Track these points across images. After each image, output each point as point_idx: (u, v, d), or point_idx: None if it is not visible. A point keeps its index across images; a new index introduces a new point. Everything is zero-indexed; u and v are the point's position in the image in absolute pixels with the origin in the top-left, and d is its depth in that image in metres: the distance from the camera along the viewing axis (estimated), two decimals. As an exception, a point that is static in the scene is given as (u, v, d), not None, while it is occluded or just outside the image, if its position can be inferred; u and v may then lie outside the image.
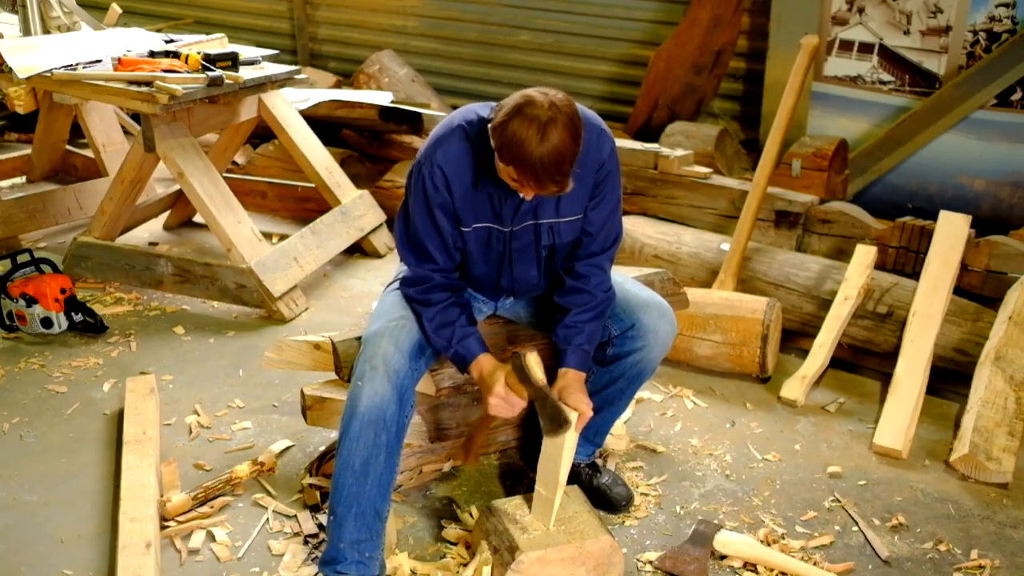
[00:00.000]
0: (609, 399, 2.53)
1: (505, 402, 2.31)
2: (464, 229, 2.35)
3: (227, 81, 3.63)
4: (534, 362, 2.27)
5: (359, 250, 4.47)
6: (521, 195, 2.26)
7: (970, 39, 4.43)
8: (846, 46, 4.74)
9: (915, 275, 3.53)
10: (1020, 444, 2.89)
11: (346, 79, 6.00)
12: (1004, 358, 3.07)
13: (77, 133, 5.02)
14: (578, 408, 2.30)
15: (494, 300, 2.61)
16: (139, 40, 4.20)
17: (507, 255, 2.42)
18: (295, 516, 2.60)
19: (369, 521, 2.25)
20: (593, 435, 2.63)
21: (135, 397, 3.03)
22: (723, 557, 2.47)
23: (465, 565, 2.39)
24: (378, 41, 6.34)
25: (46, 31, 4.36)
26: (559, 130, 2.05)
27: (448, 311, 2.35)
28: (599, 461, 2.76)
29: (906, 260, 3.78)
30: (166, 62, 3.70)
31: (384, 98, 5.00)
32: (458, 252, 2.40)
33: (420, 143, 4.99)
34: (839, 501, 2.73)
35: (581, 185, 2.32)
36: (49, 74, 3.65)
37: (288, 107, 4.32)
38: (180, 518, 2.57)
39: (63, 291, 3.56)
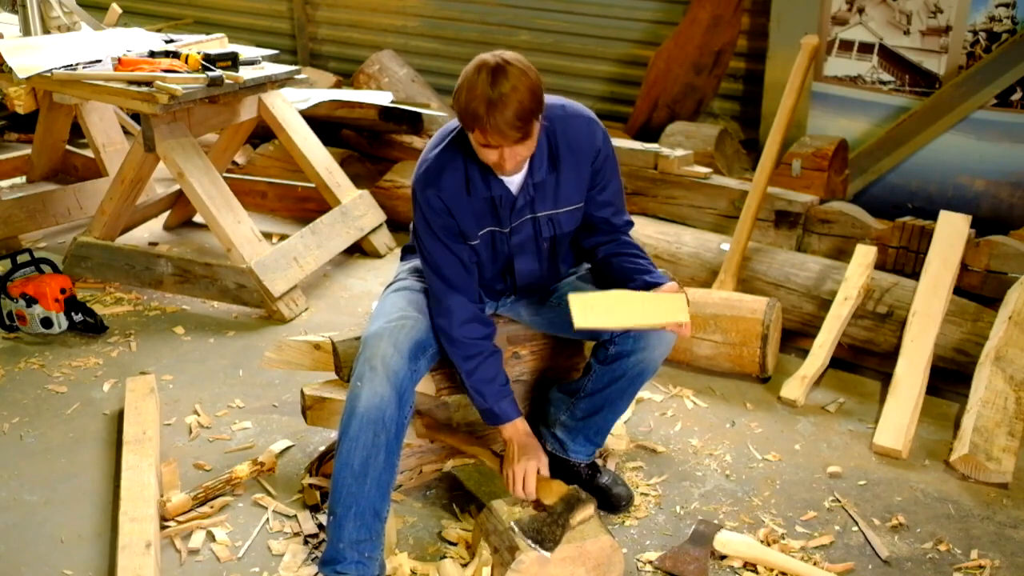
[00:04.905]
0: (610, 399, 2.53)
1: (521, 486, 2.37)
2: (473, 243, 2.39)
3: (227, 81, 3.63)
4: (581, 517, 2.31)
5: (359, 250, 4.47)
6: (503, 175, 2.28)
7: (970, 39, 4.43)
8: (846, 46, 4.74)
9: (915, 275, 3.53)
10: (1020, 444, 2.89)
11: (346, 79, 6.00)
12: (1004, 358, 3.07)
13: (77, 133, 5.02)
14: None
15: (495, 300, 2.62)
16: (139, 40, 4.20)
17: (509, 251, 2.43)
18: (295, 516, 2.60)
19: (368, 521, 2.25)
20: (594, 435, 2.63)
21: (135, 397, 3.03)
22: (723, 557, 2.47)
23: (465, 565, 2.39)
24: (378, 41, 6.34)
25: (46, 31, 4.36)
26: (509, 74, 2.09)
27: (486, 366, 2.40)
28: (599, 461, 2.76)
29: (906, 260, 3.78)
30: (166, 62, 3.70)
31: (384, 98, 5.00)
32: (475, 267, 2.43)
33: (420, 143, 5.01)
34: (839, 501, 2.73)
35: (577, 174, 2.38)
36: (49, 74, 3.65)
37: (288, 107, 4.32)
38: (180, 518, 2.57)
39: (63, 291, 3.56)
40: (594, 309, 2.21)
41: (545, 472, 2.40)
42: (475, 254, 2.42)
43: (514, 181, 2.35)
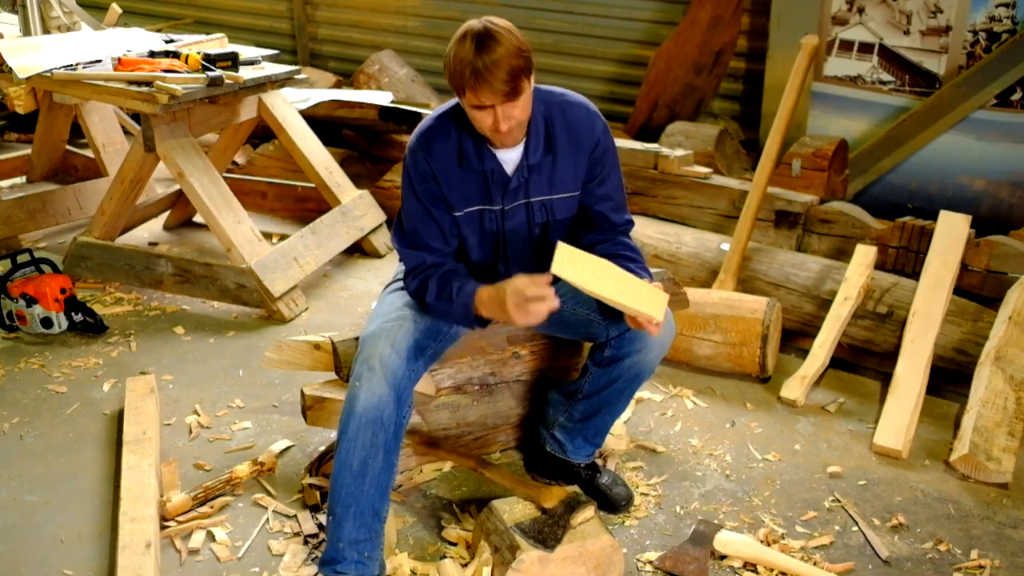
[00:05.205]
0: (608, 400, 2.53)
1: (534, 319, 2.19)
2: (456, 214, 2.39)
3: (227, 81, 3.63)
4: (581, 518, 2.32)
5: (359, 250, 4.47)
6: (500, 142, 2.28)
7: (970, 39, 4.43)
8: (846, 46, 4.74)
9: (915, 275, 3.53)
10: (1020, 444, 2.89)
11: (346, 79, 6.01)
12: (1004, 358, 3.07)
13: (77, 133, 5.02)
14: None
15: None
16: (139, 40, 4.20)
17: (502, 237, 2.44)
18: (295, 516, 2.60)
19: (368, 521, 2.25)
20: (593, 436, 2.63)
21: (135, 397, 3.03)
22: (723, 557, 2.47)
23: (465, 565, 2.39)
24: (378, 41, 6.34)
25: (46, 31, 4.36)
26: (495, 33, 2.13)
27: (442, 279, 2.35)
28: (599, 461, 2.76)
29: (906, 260, 3.78)
30: (166, 62, 3.70)
31: (384, 98, 5.00)
32: (455, 238, 2.43)
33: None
34: (839, 501, 2.73)
35: (575, 161, 2.39)
36: (49, 74, 3.65)
37: (288, 107, 4.32)
38: (180, 518, 2.57)
39: (63, 291, 3.56)
40: (576, 264, 2.16)
41: (529, 280, 2.20)
42: (457, 227, 2.42)
43: (509, 160, 2.36)
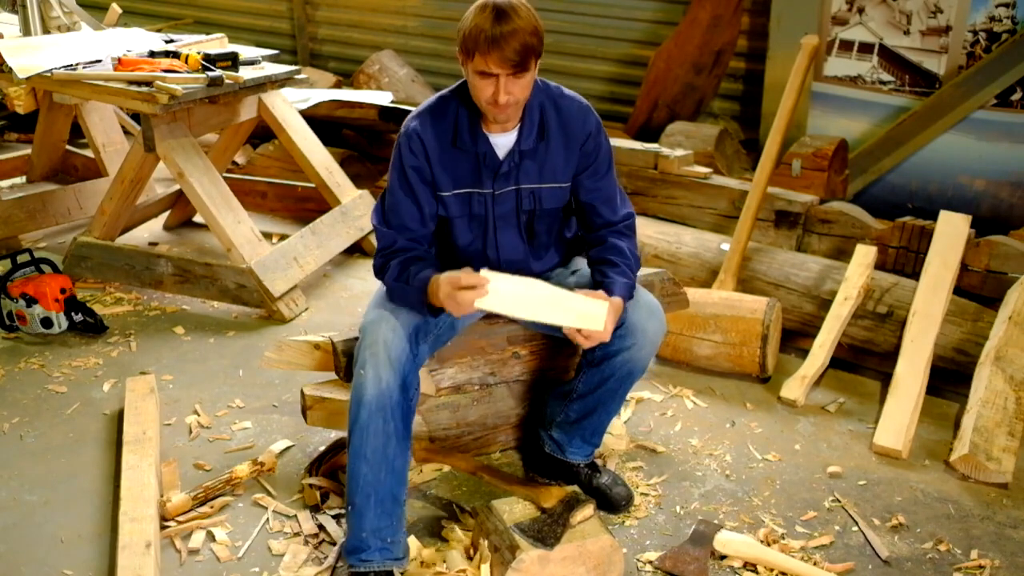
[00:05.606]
0: (602, 399, 2.54)
1: (455, 293, 2.18)
2: (443, 193, 2.40)
3: (227, 81, 3.63)
4: (581, 516, 2.33)
5: (359, 250, 4.47)
6: (496, 116, 2.29)
7: (970, 39, 4.43)
8: (846, 46, 4.74)
9: (915, 275, 3.53)
10: (1020, 444, 2.89)
11: (346, 79, 6.01)
12: (1004, 358, 3.07)
13: (77, 133, 5.02)
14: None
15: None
16: (139, 40, 4.20)
17: (491, 222, 2.45)
18: (295, 516, 2.60)
19: (388, 507, 2.26)
20: (590, 435, 2.64)
21: (135, 397, 3.03)
22: (723, 557, 2.47)
23: (465, 570, 2.39)
24: (378, 41, 6.34)
25: (46, 31, 4.36)
26: (516, 7, 2.18)
27: (405, 263, 2.35)
28: (599, 461, 2.76)
29: (906, 260, 3.78)
30: (166, 62, 3.70)
31: (384, 98, 5.00)
32: (433, 221, 2.43)
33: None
34: (839, 501, 2.72)
35: (566, 153, 2.42)
36: (49, 74, 3.65)
37: (288, 107, 4.32)
38: (180, 518, 2.57)
39: (63, 291, 3.56)
40: (499, 295, 2.17)
41: (463, 273, 2.19)
42: (443, 207, 2.42)
43: (502, 145, 2.37)
